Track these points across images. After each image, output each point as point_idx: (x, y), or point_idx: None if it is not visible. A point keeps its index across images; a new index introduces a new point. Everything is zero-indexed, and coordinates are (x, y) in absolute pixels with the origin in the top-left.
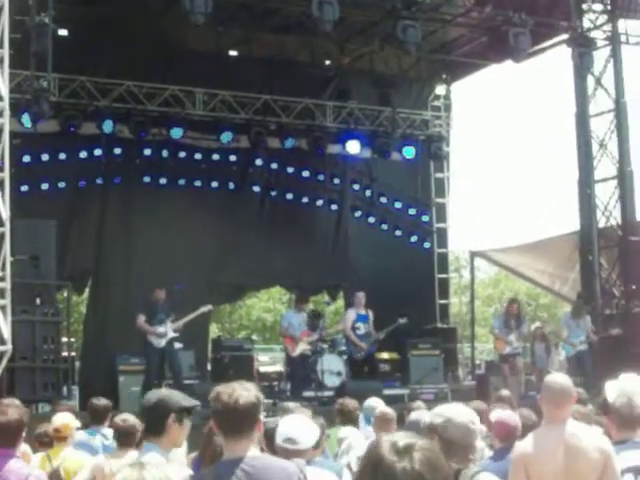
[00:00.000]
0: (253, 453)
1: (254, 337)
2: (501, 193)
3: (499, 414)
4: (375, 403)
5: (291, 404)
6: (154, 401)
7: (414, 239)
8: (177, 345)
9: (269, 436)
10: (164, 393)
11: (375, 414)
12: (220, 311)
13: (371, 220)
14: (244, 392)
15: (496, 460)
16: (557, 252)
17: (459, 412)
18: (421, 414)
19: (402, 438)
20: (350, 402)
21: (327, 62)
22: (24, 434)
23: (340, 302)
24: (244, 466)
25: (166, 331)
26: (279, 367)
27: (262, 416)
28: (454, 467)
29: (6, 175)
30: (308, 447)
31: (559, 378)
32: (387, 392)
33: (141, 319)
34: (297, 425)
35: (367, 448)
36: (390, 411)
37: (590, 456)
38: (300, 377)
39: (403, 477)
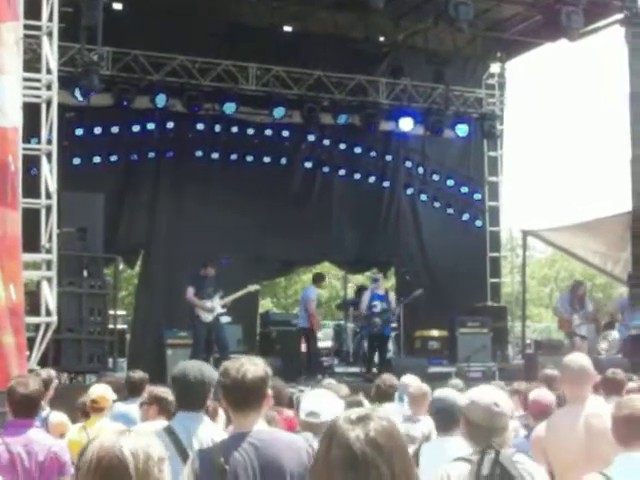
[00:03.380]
0: (261, 427)
1: None
2: (554, 172)
3: (534, 393)
4: (408, 380)
5: (331, 381)
6: (201, 378)
7: (466, 217)
8: (226, 319)
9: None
10: (201, 368)
11: (409, 391)
12: (275, 285)
13: (423, 198)
14: (252, 367)
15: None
16: (609, 232)
17: (483, 394)
18: (446, 392)
19: (358, 410)
20: (388, 378)
21: (381, 39)
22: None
23: (392, 280)
24: (252, 440)
25: (214, 306)
26: (329, 343)
27: (270, 391)
28: (477, 447)
29: (54, 148)
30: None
31: (578, 358)
32: (433, 370)
33: (190, 292)
34: (320, 399)
35: (328, 423)
36: (425, 387)
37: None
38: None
39: (357, 443)
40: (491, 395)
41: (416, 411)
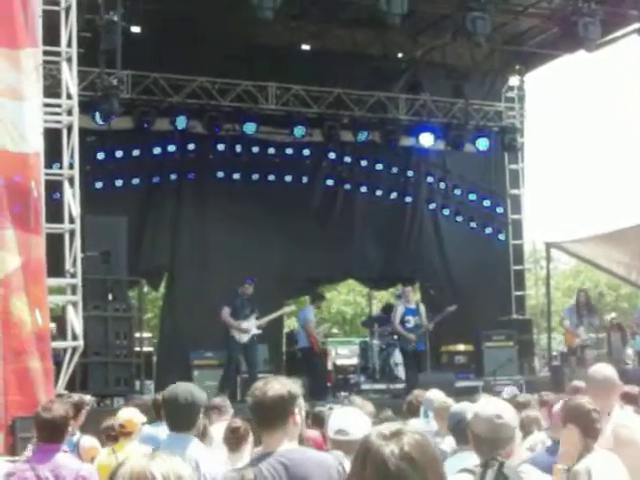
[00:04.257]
0: (289, 446)
1: (334, 330)
2: (576, 183)
3: (559, 405)
4: (432, 395)
5: (357, 398)
6: (191, 400)
7: (489, 231)
8: None
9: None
10: (192, 390)
11: (434, 406)
12: (300, 304)
13: (445, 212)
14: (276, 385)
15: (551, 452)
16: (633, 242)
17: (486, 407)
18: (463, 407)
19: (390, 426)
20: (420, 394)
21: (399, 55)
22: (71, 429)
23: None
24: (281, 459)
25: (249, 327)
26: (355, 360)
27: (297, 409)
28: (482, 459)
29: (76, 172)
30: (360, 437)
31: (603, 369)
32: (460, 384)
33: (226, 312)
34: (348, 416)
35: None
36: (449, 402)
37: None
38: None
39: (392, 459)
40: (494, 407)
41: (442, 425)
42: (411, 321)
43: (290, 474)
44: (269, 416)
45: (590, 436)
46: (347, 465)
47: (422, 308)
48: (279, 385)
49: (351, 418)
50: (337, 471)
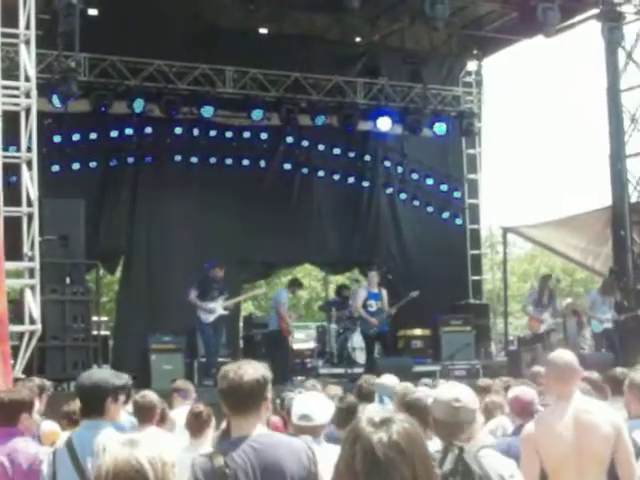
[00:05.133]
0: (260, 430)
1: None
2: (533, 168)
3: (515, 390)
4: (387, 380)
5: (308, 382)
6: (90, 384)
7: (446, 215)
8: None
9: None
10: (99, 375)
11: (396, 391)
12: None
13: (403, 197)
14: (250, 370)
15: (516, 436)
16: (589, 227)
17: (445, 391)
18: (421, 391)
19: (380, 413)
20: (371, 378)
21: (357, 39)
22: (34, 413)
23: None
24: (251, 443)
25: (215, 307)
26: (312, 344)
27: (269, 394)
28: (442, 444)
29: (34, 156)
30: (323, 423)
31: (563, 354)
32: (418, 369)
33: (192, 294)
34: (311, 402)
35: (350, 425)
36: (411, 387)
37: (603, 431)
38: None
39: (380, 447)
40: (453, 391)
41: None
42: (373, 305)
43: (260, 458)
44: (245, 401)
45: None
46: (315, 449)
47: (384, 293)
48: (252, 369)
49: (315, 404)
50: (306, 455)
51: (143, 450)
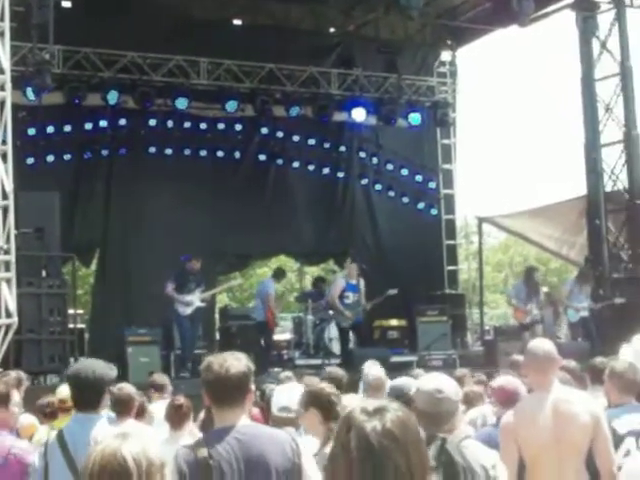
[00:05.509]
0: (245, 421)
1: None
2: (508, 158)
3: (498, 380)
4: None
5: (282, 374)
6: (94, 378)
7: (421, 206)
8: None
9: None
10: (100, 369)
11: (368, 379)
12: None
13: (378, 187)
14: (235, 362)
15: (497, 426)
16: (564, 217)
17: (427, 381)
18: (403, 380)
19: (374, 402)
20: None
21: (332, 29)
22: (12, 406)
23: None
24: (236, 434)
25: (192, 300)
26: (288, 335)
27: (253, 385)
28: (425, 435)
29: (9, 148)
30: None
31: (542, 344)
32: (395, 359)
33: (169, 287)
34: (292, 393)
35: (343, 414)
36: (383, 375)
37: (581, 420)
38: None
39: (374, 436)
40: (435, 382)
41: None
42: (350, 297)
43: (245, 450)
44: (231, 393)
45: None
46: (299, 441)
47: (362, 284)
48: (237, 361)
49: (295, 395)
50: (290, 447)
51: (130, 447)
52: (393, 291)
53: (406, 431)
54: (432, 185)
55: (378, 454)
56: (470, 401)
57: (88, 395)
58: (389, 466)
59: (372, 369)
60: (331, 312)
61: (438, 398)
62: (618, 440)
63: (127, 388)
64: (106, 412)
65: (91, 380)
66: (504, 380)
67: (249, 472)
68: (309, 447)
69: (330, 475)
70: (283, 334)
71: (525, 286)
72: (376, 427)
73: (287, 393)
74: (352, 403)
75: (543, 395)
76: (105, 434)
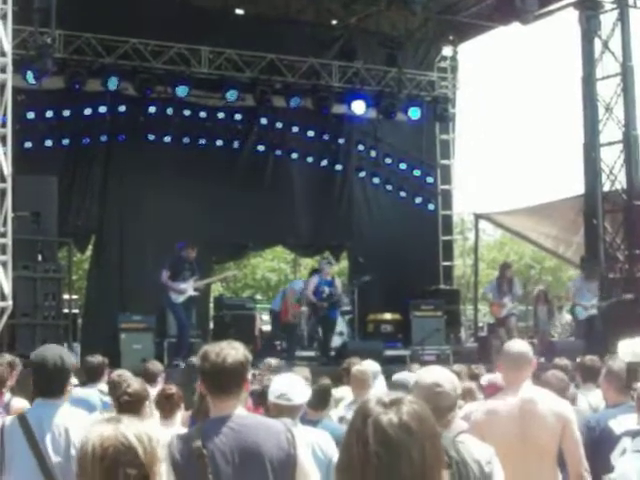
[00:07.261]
0: (240, 412)
1: (258, 296)
2: (507, 156)
3: (489, 376)
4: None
5: (273, 361)
6: (61, 365)
7: (418, 200)
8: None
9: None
10: (66, 357)
11: (352, 373)
12: (224, 270)
13: (375, 181)
14: (232, 351)
15: None
16: (562, 216)
17: (426, 375)
18: (404, 375)
19: (390, 394)
20: (357, 361)
21: (333, 22)
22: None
23: (344, 263)
24: (231, 424)
25: (186, 288)
26: None
27: (250, 375)
28: None
29: (8, 131)
30: (301, 403)
31: (517, 344)
32: (389, 353)
33: (164, 275)
34: (290, 382)
35: (358, 405)
36: (368, 370)
37: (546, 421)
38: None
39: (390, 428)
40: (434, 376)
41: (359, 395)
42: (326, 291)
43: (239, 440)
44: (228, 382)
45: None
46: (295, 432)
47: (338, 282)
48: (234, 350)
49: (293, 383)
50: (286, 438)
51: (128, 427)
52: (367, 278)
53: (422, 424)
54: (430, 180)
55: (394, 446)
56: (464, 397)
57: (56, 382)
58: (404, 459)
59: (362, 363)
60: (304, 309)
61: (437, 392)
62: (614, 440)
63: (125, 375)
64: (100, 397)
65: (59, 368)
66: (494, 376)
67: (243, 463)
68: (304, 437)
69: (344, 464)
70: None
71: (498, 281)
72: (392, 419)
73: (285, 381)
74: (347, 395)
75: (512, 394)
76: (70, 421)
